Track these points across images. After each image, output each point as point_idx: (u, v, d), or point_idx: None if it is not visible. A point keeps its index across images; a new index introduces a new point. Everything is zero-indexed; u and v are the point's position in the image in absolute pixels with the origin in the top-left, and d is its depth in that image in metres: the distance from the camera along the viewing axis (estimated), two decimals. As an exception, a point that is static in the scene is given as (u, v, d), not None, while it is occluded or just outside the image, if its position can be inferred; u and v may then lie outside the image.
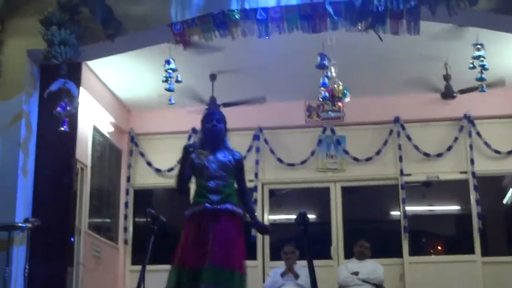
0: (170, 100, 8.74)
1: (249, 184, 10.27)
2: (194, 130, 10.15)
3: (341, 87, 7.79)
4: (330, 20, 6.62)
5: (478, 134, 10.22)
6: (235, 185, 5.41)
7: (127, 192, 10.84)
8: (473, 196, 10.19)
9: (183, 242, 5.17)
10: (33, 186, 7.19)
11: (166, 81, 8.61)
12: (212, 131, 5.42)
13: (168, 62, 8.46)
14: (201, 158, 5.33)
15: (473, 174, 10.18)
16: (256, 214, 5.74)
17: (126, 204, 10.79)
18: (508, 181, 10.46)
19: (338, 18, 6.56)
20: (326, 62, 7.70)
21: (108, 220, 10.33)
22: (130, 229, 10.77)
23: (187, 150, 5.22)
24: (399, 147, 10.40)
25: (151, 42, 7.57)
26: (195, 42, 7.58)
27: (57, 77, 6.81)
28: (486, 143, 10.18)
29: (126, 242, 10.67)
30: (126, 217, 10.73)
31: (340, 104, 8.79)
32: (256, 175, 10.56)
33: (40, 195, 7.16)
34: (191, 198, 5.34)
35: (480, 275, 9.87)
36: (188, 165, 5.26)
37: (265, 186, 10.68)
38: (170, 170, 10.52)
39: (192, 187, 5.43)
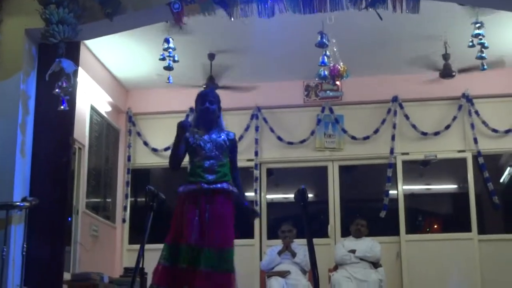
0: (168, 79, 8.73)
1: (249, 163, 10.43)
2: (192, 110, 10.09)
3: (345, 67, 7.76)
4: (330, 0, 6.60)
5: (477, 113, 10.18)
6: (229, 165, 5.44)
7: (127, 172, 10.81)
8: (470, 175, 10.21)
9: (178, 220, 5.20)
10: (31, 165, 7.11)
11: (163, 59, 8.59)
12: (206, 112, 5.44)
13: (167, 40, 8.42)
14: (196, 137, 5.35)
15: (478, 153, 10.14)
16: (245, 196, 5.73)
17: (127, 183, 10.77)
18: (506, 160, 10.46)
19: (338, -4, 6.53)
20: (325, 41, 7.68)
21: (105, 199, 10.33)
22: (128, 208, 10.76)
23: (181, 127, 5.24)
24: (394, 126, 10.36)
25: (149, 21, 7.48)
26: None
27: (55, 57, 6.74)
28: (484, 122, 10.15)
29: (124, 221, 10.66)
30: (127, 196, 10.72)
31: (338, 83, 8.75)
32: (256, 153, 10.53)
33: (38, 175, 7.10)
34: (187, 177, 5.35)
35: (477, 253, 9.92)
36: (182, 142, 5.29)
37: (263, 165, 10.66)
38: (167, 149, 10.46)
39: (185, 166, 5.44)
